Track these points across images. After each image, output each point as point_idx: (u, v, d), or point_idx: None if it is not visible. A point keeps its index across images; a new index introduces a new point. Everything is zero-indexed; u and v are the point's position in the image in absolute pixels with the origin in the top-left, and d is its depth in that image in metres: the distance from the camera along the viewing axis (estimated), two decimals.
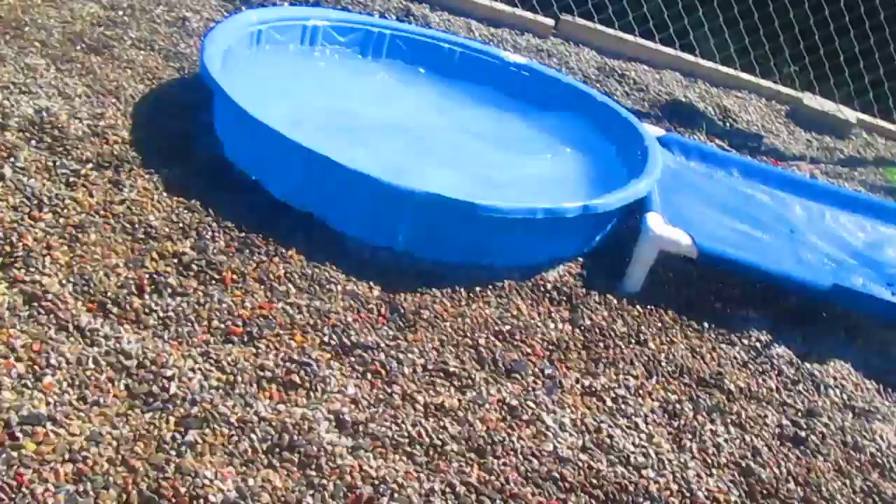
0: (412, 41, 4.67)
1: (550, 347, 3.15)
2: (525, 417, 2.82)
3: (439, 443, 2.61)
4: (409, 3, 5.71)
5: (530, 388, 2.94)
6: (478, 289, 3.31)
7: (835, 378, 3.50)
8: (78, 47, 4.17)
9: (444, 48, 4.69)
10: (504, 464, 2.62)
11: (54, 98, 3.70)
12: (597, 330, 3.32)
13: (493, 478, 2.56)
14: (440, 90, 4.54)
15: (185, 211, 3.22)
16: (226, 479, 2.29)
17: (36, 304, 2.65)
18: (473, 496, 2.49)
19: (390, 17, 5.50)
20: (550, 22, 6.01)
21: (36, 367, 2.45)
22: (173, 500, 2.20)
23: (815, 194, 4.52)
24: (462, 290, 3.27)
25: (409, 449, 2.57)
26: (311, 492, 2.35)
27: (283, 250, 3.15)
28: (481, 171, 3.95)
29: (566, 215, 3.42)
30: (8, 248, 2.81)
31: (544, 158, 4.22)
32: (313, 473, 2.40)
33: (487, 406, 2.80)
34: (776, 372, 3.44)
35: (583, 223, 3.56)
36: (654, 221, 3.63)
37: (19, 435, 2.24)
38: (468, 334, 3.07)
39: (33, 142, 3.40)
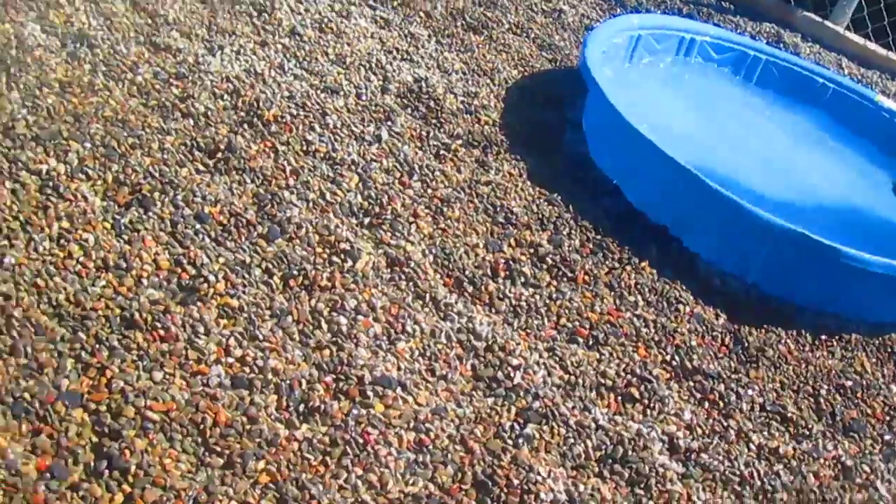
0: (786, 70, 4.54)
1: (892, 412, 3.00)
2: (858, 481, 2.69)
3: (770, 489, 2.52)
4: (780, 30, 5.58)
5: (867, 451, 2.80)
6: (823, 337, 3.18)
7: None
8: (458, 23, 4.26)
9: (817, 82, 4.54)
10: None
11: (433, 70, 3.80)
12: None
13: None
14: (808, 123, 4.40)
15: (546, 203, 3.23)
16: (557, 480, 2.28)
17: (398, 268, 2.71)
18: None
19: (761, 40, 5.37)
20: None
21: (392, 331, 2.51)
22: (505, 490, 2.21)
23: None
24: (808, 335, 3.14)
25: (738, 488, 2.49)
26: None
27: (637, 260, 3.11)
28: (836, 213, 3.82)
29: None
30: (377, 209, 2.90)
31: None
32: (641, 492, 2.36)
33: (822, 461, 2.68)
34: None
35: None
36: None
37: (370, 394, 2.30)
38: (810, 382, 2.95)
39: (409, 109, 3.49)
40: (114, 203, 2.55)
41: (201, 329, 2.28)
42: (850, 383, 3.02)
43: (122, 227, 2.48)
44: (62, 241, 2.38)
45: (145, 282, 2.35)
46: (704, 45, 4.43)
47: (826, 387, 2.96)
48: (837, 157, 4.27)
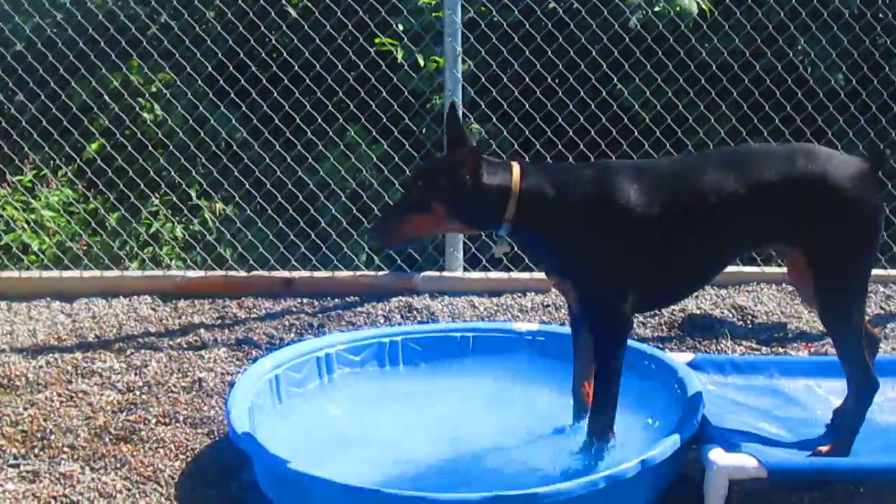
0: (423, 340, 4.70)
1: None
2: None
3: None
4: (409, 299, 5.77)
5: None
6: None
7: None
8: (106, 440, 4.18)
9: (455, 338, 4.71)
10: None
11: (97, 501, 3.69)
12: None
13: None
14: (467, 381, 4.52)
15: None
16: None
17: None
18: None
19: (394, 317, 5.56)
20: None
21: None
22: None
23: None
24: None
25: None
26: None
27: None
28: (520, 453, 3.91)
29: (626, 476, 3.36)
30: None
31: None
32: None
33: None
34: None
35: (646, 478, 3.49)
36: (715, 454, 3.56)
37: None
38: None
39: None
40: None
41: None
42: None
43: None
44: None
45: None
46: (341, 354, 4.52)
47: None
48: (508, 399, 4.38)
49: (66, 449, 4.11)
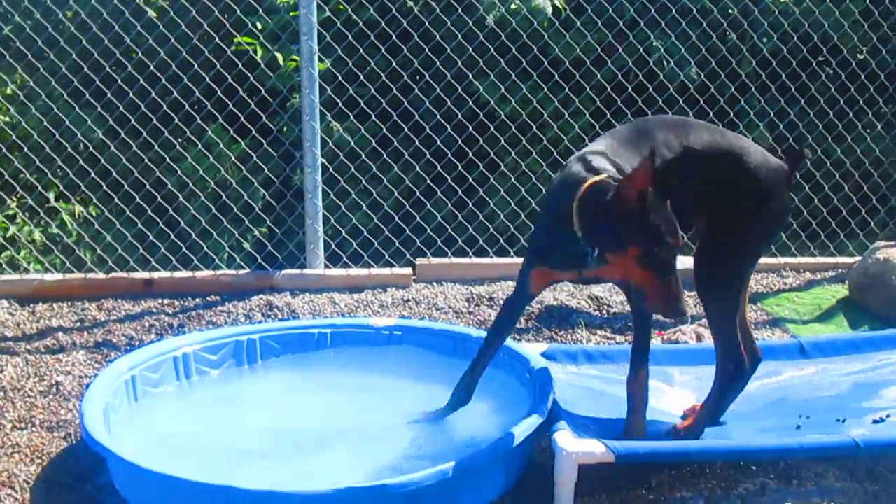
0: (281, 337, 4.73)
1: None
2: None
3: None
4: (269, 298, 5.78)
5: None
6: None
7: None
8: None
9: (313, 335, 4.74)
10: None
11: None
12: None
13: None
14: (323, 378, 4.58)
15: None
16: None
17: None
18: None
19: (255, 316, 5.56)
20: (408, 271, 6.14)
21: None
22: None
23: (702, 358, 4.56)
24: None
25: None
26: None
27: None
28: (377, 445, 3.98)
29: (477, 464, 3.45)
30: None
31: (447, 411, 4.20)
32: None
33: None
34: None
35: (497, 465, 3.58)
36: (564, 440, 3.66)
37: None
38: None
39: None
40: None
41: None
42: None
43: None
44: None
45: None
46: (199, 354, 4.52)
47: None
48: (364, 394, 4.44)
49: None
